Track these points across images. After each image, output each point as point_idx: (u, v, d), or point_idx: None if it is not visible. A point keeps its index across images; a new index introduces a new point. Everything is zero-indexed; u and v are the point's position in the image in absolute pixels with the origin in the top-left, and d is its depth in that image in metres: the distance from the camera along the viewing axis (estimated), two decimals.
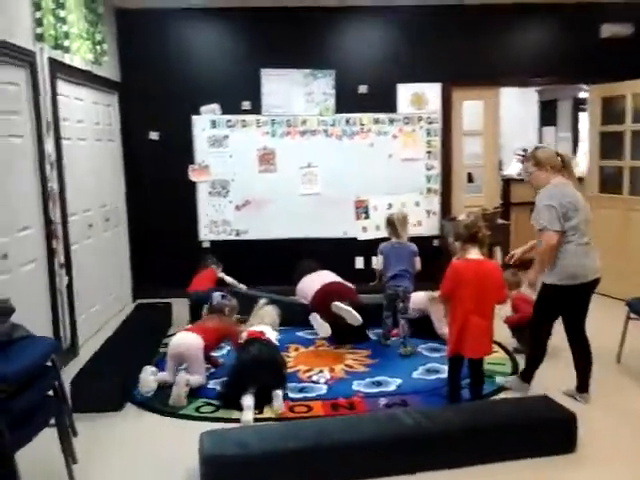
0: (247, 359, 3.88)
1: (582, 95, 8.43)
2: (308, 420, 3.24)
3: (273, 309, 4.53)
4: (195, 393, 3.99)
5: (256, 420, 3.61)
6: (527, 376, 3.96)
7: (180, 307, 5.57)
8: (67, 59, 4.83)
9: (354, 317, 4.63)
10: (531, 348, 3.97)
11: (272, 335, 4.21)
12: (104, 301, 5.61)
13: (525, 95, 10.06)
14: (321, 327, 4.83)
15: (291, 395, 3.97)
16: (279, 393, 3.84)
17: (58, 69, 4.62)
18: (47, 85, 4.43)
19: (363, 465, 2.92)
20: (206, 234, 6.43)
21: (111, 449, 3.36)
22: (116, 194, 6.07)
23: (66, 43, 4.72)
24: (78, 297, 4.93)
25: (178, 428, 3.58)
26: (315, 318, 4.90)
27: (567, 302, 3.73)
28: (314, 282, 5.21)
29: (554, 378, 4.03)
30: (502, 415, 3.27)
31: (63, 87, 4.82)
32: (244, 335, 4.15)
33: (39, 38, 4.29)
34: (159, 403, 3.87)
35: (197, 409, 3.80)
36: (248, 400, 3.69)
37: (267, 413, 3.73)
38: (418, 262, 4.86)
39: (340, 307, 4.65)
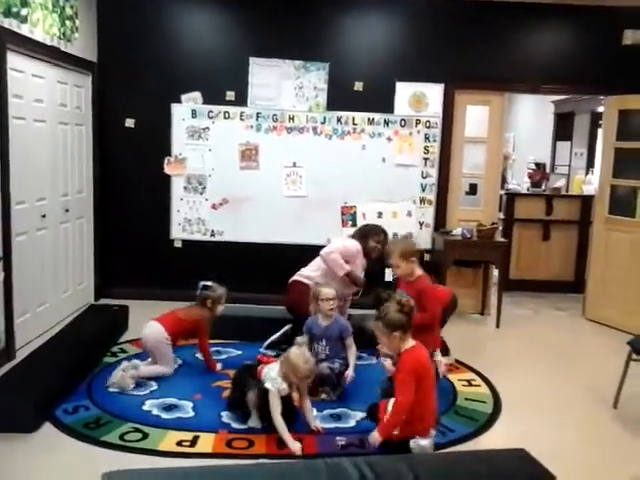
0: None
1: (601, 109, 7.83)
2: (233, 466, 2.73)
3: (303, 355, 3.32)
4: (127, 414, 3.51)
5: (186, 455, 3.12)
6: None
7: (143, 310, 5.07)
8: (25, 31, 4.37)
9: None
10: None
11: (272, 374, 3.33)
12: (56, 299, 5.11)
13: (540, 106, 9.53)
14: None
15: (234, 425, 3.48)
16: None
17: (10, 40, 4.14)
18: None
19: None
20: (179, 233, 5.94)
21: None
22: (81, 183, 5.59)
23: (23, 12, 4.28)
24: (22, 294, 4.46)
25: (91, 460, 3.05)
26: None
27: None
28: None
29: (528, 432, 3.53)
30: (467, 472, 2.74)
31: (17, 61, 4.33)
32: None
33: None
34: (85, 426, 3.39)
35: (122, 436, 3.30)
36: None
37: (201, 447, 3.24)
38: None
39: None
